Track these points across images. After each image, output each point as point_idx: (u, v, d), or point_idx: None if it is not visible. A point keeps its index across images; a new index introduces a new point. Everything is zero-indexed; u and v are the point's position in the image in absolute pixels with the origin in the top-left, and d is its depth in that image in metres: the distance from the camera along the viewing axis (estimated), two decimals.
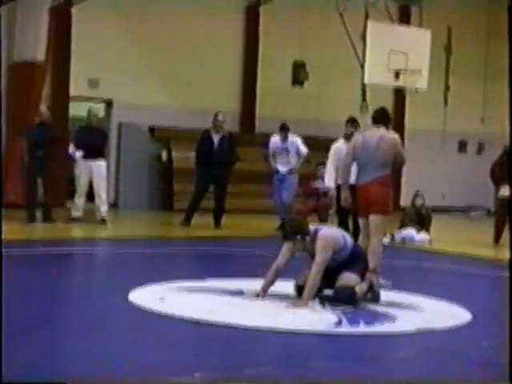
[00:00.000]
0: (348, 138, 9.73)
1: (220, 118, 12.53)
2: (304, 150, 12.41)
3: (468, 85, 19.39)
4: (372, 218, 7.39)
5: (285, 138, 12.33)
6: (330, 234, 6.56)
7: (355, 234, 8.83)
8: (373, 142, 7.48)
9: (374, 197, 7.39)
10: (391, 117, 7.89)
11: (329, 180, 10.01)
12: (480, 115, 20.15)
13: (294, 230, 6.46)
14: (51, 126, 12.42)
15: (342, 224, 9.80)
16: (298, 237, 6.43)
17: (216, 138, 12.45)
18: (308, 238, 6.45)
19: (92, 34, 14.96)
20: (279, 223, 12.15)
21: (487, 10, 19.67)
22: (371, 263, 7.04)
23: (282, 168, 12.33)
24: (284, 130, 12.37)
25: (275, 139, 12.44)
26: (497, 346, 5.36)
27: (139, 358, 4.69)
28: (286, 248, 6.53)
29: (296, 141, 12.43)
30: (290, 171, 12.34)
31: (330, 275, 6.44)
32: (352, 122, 10.12)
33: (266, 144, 12.81)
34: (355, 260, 6.57)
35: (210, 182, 12.43)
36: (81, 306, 6.25)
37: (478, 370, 4.85)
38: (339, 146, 9.96)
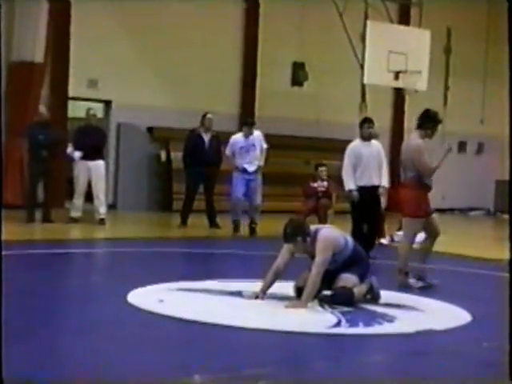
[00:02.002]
0: (367, 138, 9.79)
1: (210, 116, 12.51)
2: (265, 145, 12.01)
3: (467, 85, 19.39)
4: (403, 220, 7.97)
5: (249, 134, 11.85)
6: (330, 234, 6.53)
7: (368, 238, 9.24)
8: (403, 146, 7.97)
9: (402, 198, 7.83)
10: (432, 119, 7.74)
11: (348, 181, 9.82)
12: (479, 116, 20.15)
13: (295, 231, 6.43)
14: (53, 126, 12.41)
15: (356, 227, 9.81)
16: (299, 238, 6.40)
17: (206, 138, 12.44)
18: (308, 240, 6.42)
19: (91, 35, 14.94)
20: (234, 226, 11.85)
21: (487, 11, 19.67)
22: (398, 264, 7.72)
23: (250, 167, 11.79)
24: (249, 124, 11.98)
25: (237, 138, 11.91)
26: (497, 346, 5.33)
27: (138, 359, 4.68)
28: (285, 249, 6.50)
29: (260, 135, 12.01)
30: (258, 169, 11.88)
31: (329, 276, 6.41)
32: (369, 122, 10.03)
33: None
34: (355, 261, 6.55)
35: (201, 181, 12.41)
36: (79, 307, 6.23)
37: (478, 371, 4.83)
38: (356, 147, 9.86)
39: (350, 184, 9.70)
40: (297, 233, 6.41)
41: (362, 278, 6.55)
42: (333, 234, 6.56)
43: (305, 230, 6.44)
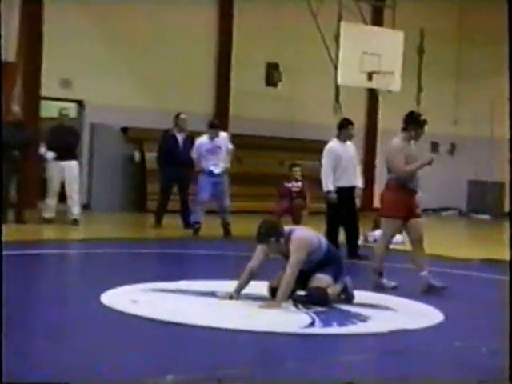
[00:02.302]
0: (345, 139, 9.89)
1: (183, 117, 12.49)
2: (231, 146, 11.95)
3: (440, 86, 19.53)
4: (381, 220, 8.04)
5: (215, 137, 11.74)
6: (304, 235, 6.54)
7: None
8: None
9: (381, 199, 7.92)
10: (415, 121, 7.65)
11: (327, 182, 9.72)
12: (452, 116, 20.31)
13: (269, 232, 6.44)
14: (26, 126, 12.32)
15: (332, 228, 9.84)
16: (273, 239, 6.41)
17: (180, 138, 12.41)
18: (282, 240, 6.43)
19: (64, 34, 14.84)
20: (195, 228, 11.65)
21: (459, 12, 19.84)
22: (373, 263, 7.82)
23: (216, 169, 11.67)
24: (215, 127, 11.87)
25: (202, 140, 11.80)
26: (468, 346, 5.39)
27: (111, 360, 4.66)
28: (260, 249, 6.51)
29: (226, 137, 11.97)
30: (225, 171, 11.79)
31: (304, 277, 6.43)
32: (351, 123, 10.10)
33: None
34: (329, 261, 6.57)
35: (175, 181, 12.40)
36: (52, 309, 6.19)
37: (450, 370, 4.87)
38: (336, 148, 9.88)
39: (329, 185, 9.70)
40: (270, 233, 6.42)
41: (336, 278, 6.57)
42: (307, 235, 6.58)
43: (279, 231, 6.45)
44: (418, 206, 7.73)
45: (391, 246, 10.94)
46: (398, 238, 11.73)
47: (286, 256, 6.40)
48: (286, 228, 6.55)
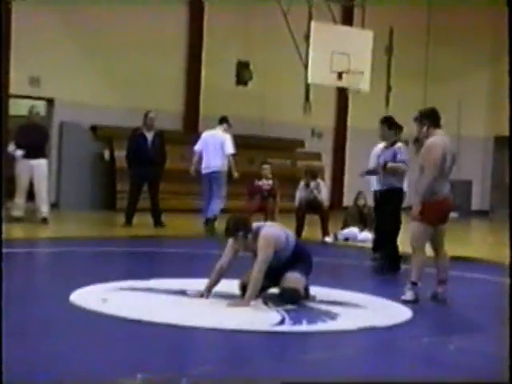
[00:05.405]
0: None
1: (152, 115, 12.49)
2: None
3: (409, 86, 19.67)
4: None
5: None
6: (271, 232, 6.53)
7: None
8: None
9: None
10: (420, 117, 7.42)
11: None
12: None
13: (237, 226, 6.44)
14: None
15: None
16: (240, 233, 6.42)
17: (149, 136, 12.41)
18: (250, 236, 6.44)
19: (33, 32, 14.75)
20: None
21: (428, 12, 20.01)
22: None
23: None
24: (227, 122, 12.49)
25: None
26: (436, 342, 5.46)
27: (81, 359, 4.65)
28: (229, 247, 6.52)
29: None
30: None
31: (274, 273, 6.44)
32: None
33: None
34: (299, 259, 6.58)
35: (145, 180, 12.39)
36: (21, 308, 6.15)
37: (418, 367, 4.93)
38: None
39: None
40: (239, 228, 6.42)
41: (307, 275, 6.58)
42: (274, 232, 6.55)
43: (247, 226, 6.45)
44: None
45: (360, 244, 11.05)
46: (367, 236, 11.83)
47: (255, 253, 6.41)
48: (255, 225, 6.56)
